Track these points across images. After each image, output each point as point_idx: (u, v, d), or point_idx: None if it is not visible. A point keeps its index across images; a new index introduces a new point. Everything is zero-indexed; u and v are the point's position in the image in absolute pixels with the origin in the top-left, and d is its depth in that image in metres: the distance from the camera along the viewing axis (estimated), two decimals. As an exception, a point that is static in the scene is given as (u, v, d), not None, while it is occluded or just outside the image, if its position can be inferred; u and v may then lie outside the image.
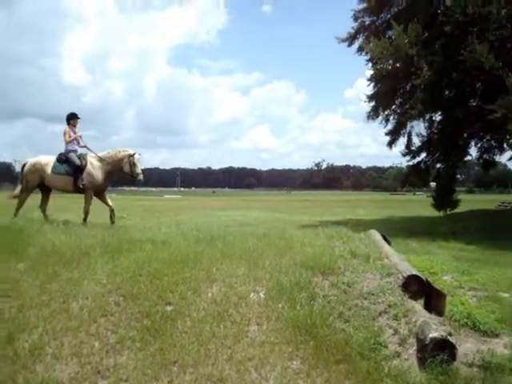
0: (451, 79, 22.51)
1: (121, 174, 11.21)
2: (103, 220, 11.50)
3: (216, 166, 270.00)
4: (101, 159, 10.87)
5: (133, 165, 10.76)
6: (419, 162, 27.72)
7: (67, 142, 10.96)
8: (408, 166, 29.68)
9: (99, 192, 11.09)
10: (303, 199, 77.58)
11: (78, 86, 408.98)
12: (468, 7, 20.01)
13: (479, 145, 28.33)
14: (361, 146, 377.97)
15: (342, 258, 6.83)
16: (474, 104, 24.74)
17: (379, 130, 27.49)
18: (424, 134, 26.70)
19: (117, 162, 10.87)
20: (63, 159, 10.82)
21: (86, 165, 10.73)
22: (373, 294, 5.70)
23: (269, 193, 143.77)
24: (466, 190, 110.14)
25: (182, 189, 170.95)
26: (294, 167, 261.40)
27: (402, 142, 27.57)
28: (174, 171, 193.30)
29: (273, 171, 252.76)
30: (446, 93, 24.82)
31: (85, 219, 10.85)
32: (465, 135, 26.54)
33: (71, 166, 10.67)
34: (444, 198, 30.20)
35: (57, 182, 10.88)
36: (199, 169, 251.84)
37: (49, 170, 10.79)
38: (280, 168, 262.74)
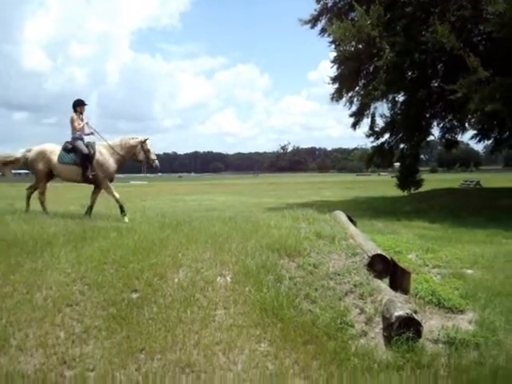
0: (413, 60, 22.73)
1: (131, 161, 10.85)
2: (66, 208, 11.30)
3: (182, 151, 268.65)
4: (111, 147, 10.40)
5: (147, 151, 10.38)
6: (383, 143, 28.04)
7: (77, 130, 10.44)
8: (372, 147, 29.92)
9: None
10: (270, 182, 77.74)
11: (40, 72, 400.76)
12: (429, -12, 20.17)
13: (441, 125, 28.86)
14: (326, 128, 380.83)
15: (308, 239, 6.86)
16: (436, 85, 25.08)
17: (344, 111, 27.74)
18: (387, 114, 26.98)
19: (129, 149, 10.44)
20: (69, 148, 10.28)
21: (94, 154, 10.24)
22: (339, 275, 5.75)
23: (235, 177, 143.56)
24: (429, 170, 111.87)
25: (148, 174, 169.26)
26: (261, 150, 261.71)
27: (366, 123, 27.83)
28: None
29: (239, 155, 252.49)
30: (409, 74, 25.10)
31: (122, 210, 10.20)
32: (427, 115, 26.93)
33: (79, 155, 10.16)
34: (408, 178, 30.71)
35: (64, 172, 10.33)
36: (165, 154, 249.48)
37: (55, 159, 10.26)
38: (246, 152, 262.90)
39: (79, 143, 10.23)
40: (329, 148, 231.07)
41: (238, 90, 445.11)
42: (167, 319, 4.84)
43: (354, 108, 27.24)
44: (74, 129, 10.41)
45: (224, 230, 7.38)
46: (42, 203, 10.57)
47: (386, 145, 28.05)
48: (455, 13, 21.03)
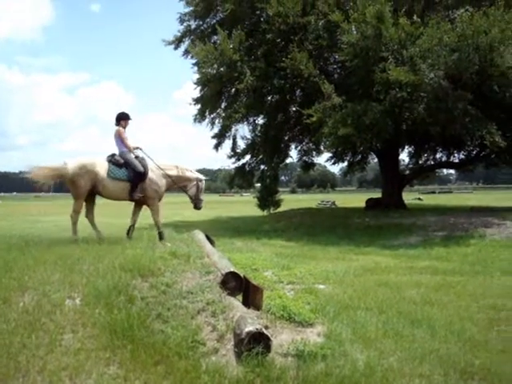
0: (273, 85, 23.60)
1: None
2: None
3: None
4: (161, 169, 9.79)
5: (200, 190, 10.13)
6: (244, 164, 28.65)
7: (125, 145, 9.63)
8: (234, 168, 30.47)
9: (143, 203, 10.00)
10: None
11: None
12: (289, 17, 21.07)
13: (299, 147, 30.13)
14: (191, 148, 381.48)
15: (163, 258, 6.81)
16: (294, 109, 26.17)
17: (208, 132, 28.02)
18: (248, 136, 27.69)
19: (182, 179, 10.06)
20: (121, 163, 9.47)
21: (147, 171, 9.57)
22: (192, 293, 5.74)
23: (96, 196, 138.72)
24: (289, 191, 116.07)
25: (2, 194, 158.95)
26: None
27: (228, 144, 28.34)
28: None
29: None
30: (268, 98, 25.96)
31: (160, 232, 9.71)
32: (286, 138, 28.03)
33: (132, 172, 9.39)
34: (267, 198, 31.56)
35: (113, 188, 9.40)
36: (21, 172, 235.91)
37: (103, 173, 9.28)
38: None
39: (132, 158, 9.49)
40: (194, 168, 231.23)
41: (102, 107, 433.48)
42: (10, 345, 4.54)
43: (216, 129, 27.75)
44: (123, 142, 9.61)
45: (76, 251, 7.13)
46: (75, 224, 9.50)
47: (247, 166, 28.73)
48: (313, 42, 22.23)
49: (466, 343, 5.77)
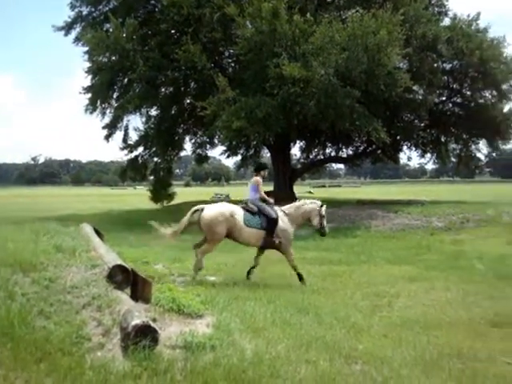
0: (167, 76, 23.40)
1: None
2: None
3: None
4: (286, 213, 9.93)
5: (322, 217, 10.01)
6: (137, 156, 28.16)
7: (260, 194, 9.88)
8: (127, 161, 29.83)
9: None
10: (18, 195, 72.68)
11: None
12: (183, 8, 20.96)
13: (193, 140, 30.03)
14: (81, 139, 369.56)
15: (46, 252, 6.53)
16: (188, 101, 26.09)
17: (100, 123, 27.14)
18: (141, 128, 27.22)
19: (305, 214, 10.09)
20: (255, 211, 9.62)
21: (278, 218, 9.68)
22: (76, 288, 5.55)
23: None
24: (183, 184, 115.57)
25: None
26: (9, 161, 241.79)
27: (120, 135, 27.75)
28: None
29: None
30: (162, 89, 25.71)
31: (298, 273, 9.56)
32: (180, 131, 27.86)
33: (265, 219, 9.55)
34: (161, 191, 31.28)
35: (248, 235, 9.53)
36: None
37: (240, 221, 9.42)
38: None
39: (264, 205, 9.60)
40: (84, 160, 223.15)
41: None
42: None
43: (106, 120, 27.04)
44: (259, 191, 9.83)
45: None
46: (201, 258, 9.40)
47: (139, 158, 28.27)
48: (207, 34, 22.31)
49: (350, 329, 6.08)
